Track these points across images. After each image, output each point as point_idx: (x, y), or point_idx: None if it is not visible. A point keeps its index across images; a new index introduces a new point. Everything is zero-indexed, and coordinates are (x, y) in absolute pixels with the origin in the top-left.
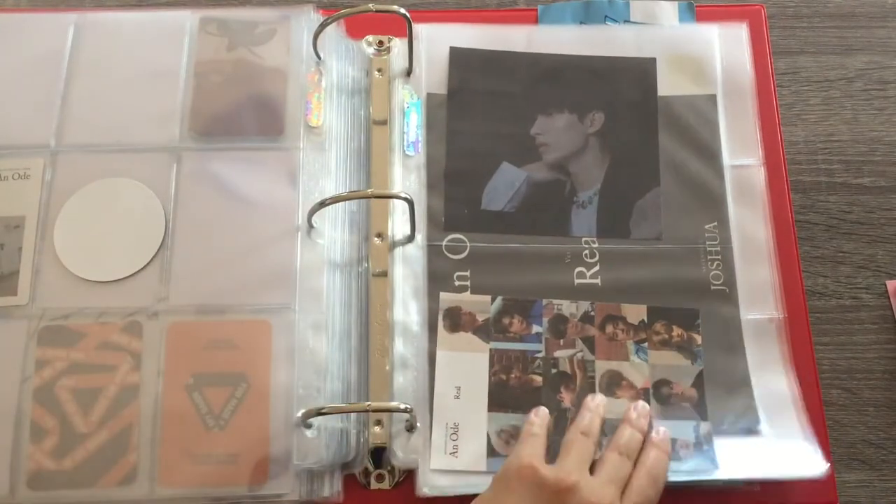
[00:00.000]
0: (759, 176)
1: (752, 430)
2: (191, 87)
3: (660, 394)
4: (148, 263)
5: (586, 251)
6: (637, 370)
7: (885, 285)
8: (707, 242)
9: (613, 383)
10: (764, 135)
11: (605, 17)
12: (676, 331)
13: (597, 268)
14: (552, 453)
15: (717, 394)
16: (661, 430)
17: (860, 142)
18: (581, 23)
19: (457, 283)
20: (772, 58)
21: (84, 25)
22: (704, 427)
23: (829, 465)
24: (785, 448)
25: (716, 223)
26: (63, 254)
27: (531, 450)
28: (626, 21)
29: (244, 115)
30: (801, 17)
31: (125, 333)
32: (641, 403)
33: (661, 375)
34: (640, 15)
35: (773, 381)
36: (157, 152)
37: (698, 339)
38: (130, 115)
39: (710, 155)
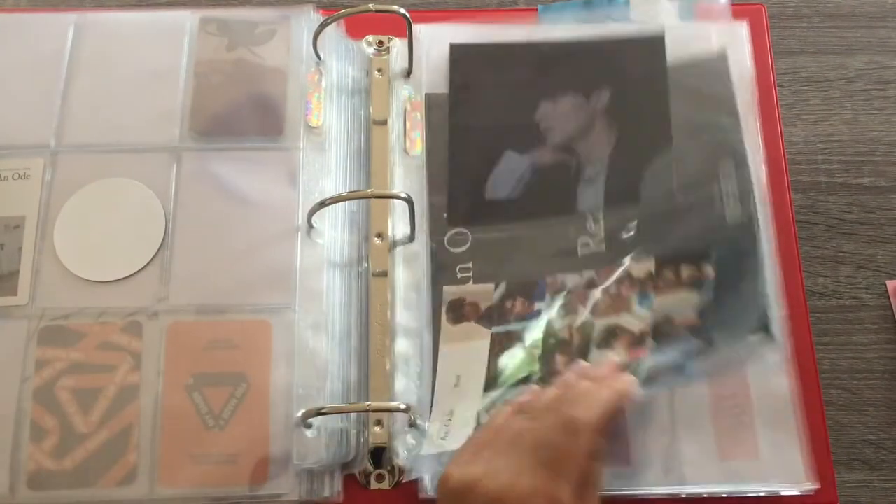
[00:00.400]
0: (761, 174)
1: (764, 328)
2: (191, 87)
3: (659, 332)
4: (148, 263)
5: (590, 221)
6: (637, 318)
7: (885, 285)
8: (722, 181)
9: (611, 336)
10: (765, 134)
11: (606, 16)
12: (686, 271)
13: (602, 234)
14: None
15: (728, 314)
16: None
17: (860, 142)
18: (581, 22)
19: (459, 275)
20: (772, 57)
21: (84, 25)
22: (696, 344)
23: (816, 486)
24: (776, 464)
25: (732, 161)
26: (63, 254)
27: (453, 459)
28: (627, 20)
29: (244, 115)
30: (801, 17)
31: (125, 333)
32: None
33: (663, 315)
34: (640, 14)
35: (773, 383)
36: (157, 152)
37: (711, 272)
38: (130, 115)
39: (723, 100)
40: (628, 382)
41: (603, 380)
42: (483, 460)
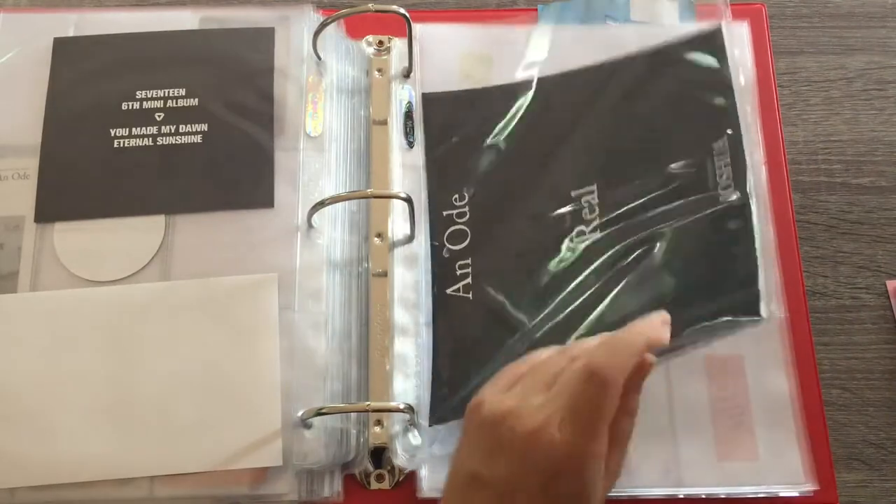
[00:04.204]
0: (761, 175)
1: (751, 310)
2: None
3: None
4: (148, 263)
5: (585, 209)
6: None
7: (885, 285)
8: (717, 157)
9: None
10: (765, 134)
11: (606, 16)
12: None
13: (597, 221)
14: None
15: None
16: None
17: (860, 142)
18: (581, 22)
19: (459, 272)
20: (773, 56)
21: (84, 25)
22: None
23: (815, 487)
24: (775, 465)
25: (725, 137)
26: (63, 254)
27: (489, 385)
28: (627, 20)
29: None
30: (801, 17)
31: None
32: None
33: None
34: (640, 14)
35: (773, 383)
36: None
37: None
38: None
39: (719, 79)
40: (658, 326)
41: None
42: (517, 394)
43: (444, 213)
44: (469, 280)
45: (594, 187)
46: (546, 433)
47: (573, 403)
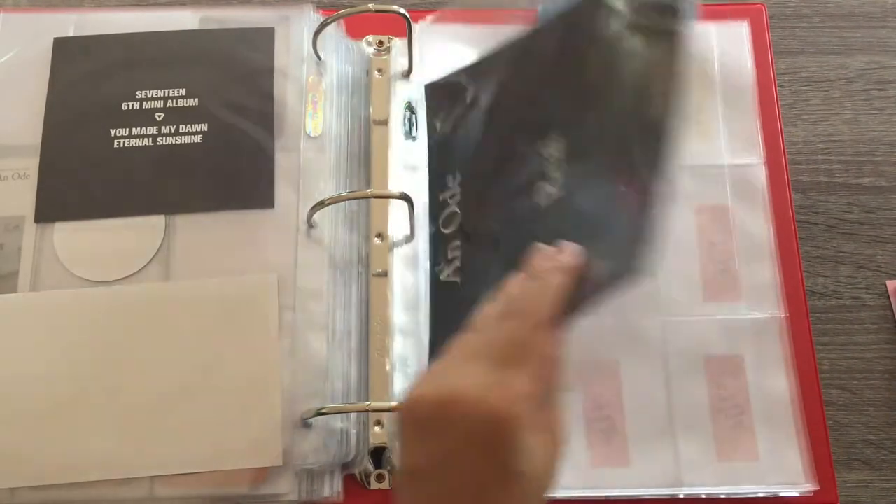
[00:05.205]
0: (761, 175)
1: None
2: None
3: None
4: (148, 263)
5: (550, 164)
6: None
7: (885, 285)
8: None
9: None
10: (765, 133)
11: None
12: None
13: (561, 180)
14: None
15: None
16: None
17: (860, 142)
18: None
19: (450, 255)
20: (773, 56)
21: (84, 25)
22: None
23: (815, 487)
24: (775, 465)
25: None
26: (63, 254)
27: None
28: None
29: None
30: (801, 17)
31: None
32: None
33: None
34: None
35: (772, 383)
36: None
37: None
38: None
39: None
40: (567, 258)
41: (541, 273)
42: (431, 377)
43: (440, 196)
44: (458, 263)
45: (559, 138)
46: (463, 389)
47: (501, 353)
